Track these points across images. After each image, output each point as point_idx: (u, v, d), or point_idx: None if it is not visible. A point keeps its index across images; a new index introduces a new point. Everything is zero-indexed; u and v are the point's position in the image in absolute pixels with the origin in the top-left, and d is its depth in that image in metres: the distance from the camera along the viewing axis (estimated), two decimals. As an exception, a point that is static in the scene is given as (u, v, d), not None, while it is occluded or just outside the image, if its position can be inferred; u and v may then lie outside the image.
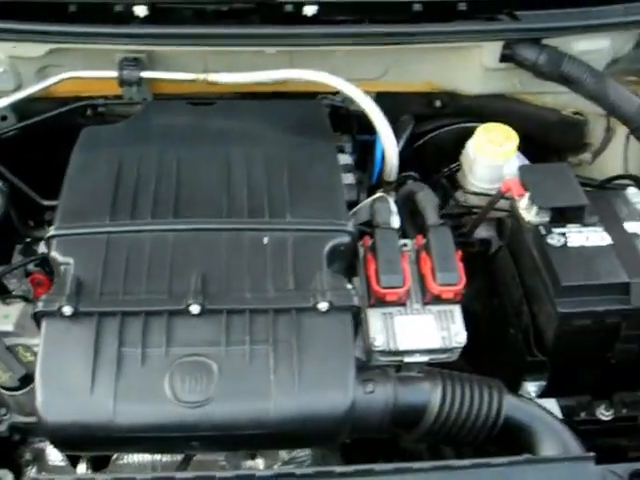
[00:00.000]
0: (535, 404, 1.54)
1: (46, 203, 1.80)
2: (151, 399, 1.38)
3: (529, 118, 2.12)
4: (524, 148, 2.08)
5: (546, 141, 2.17)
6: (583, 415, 1.75)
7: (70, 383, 1.40)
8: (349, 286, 1.53)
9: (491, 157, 1.89)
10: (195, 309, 1.45)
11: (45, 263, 1.73)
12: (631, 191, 1.80)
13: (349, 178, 1.85)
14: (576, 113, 2.15)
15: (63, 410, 1.38)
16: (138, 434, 1.38)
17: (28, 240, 1.86)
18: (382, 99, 2.01)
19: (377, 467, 1.30)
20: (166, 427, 1.38)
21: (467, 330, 1.75)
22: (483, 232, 1.92)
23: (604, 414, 1.74)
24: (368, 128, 1.90)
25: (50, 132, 1.95)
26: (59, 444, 1.43)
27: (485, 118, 2.01)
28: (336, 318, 1.48)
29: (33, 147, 1.98)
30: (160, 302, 1.47)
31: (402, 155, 2.00)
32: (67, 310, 1.43)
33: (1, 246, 1.84)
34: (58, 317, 1.44)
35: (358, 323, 1.54)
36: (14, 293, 1.76)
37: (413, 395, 1.47)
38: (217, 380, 1.39)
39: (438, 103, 2.14)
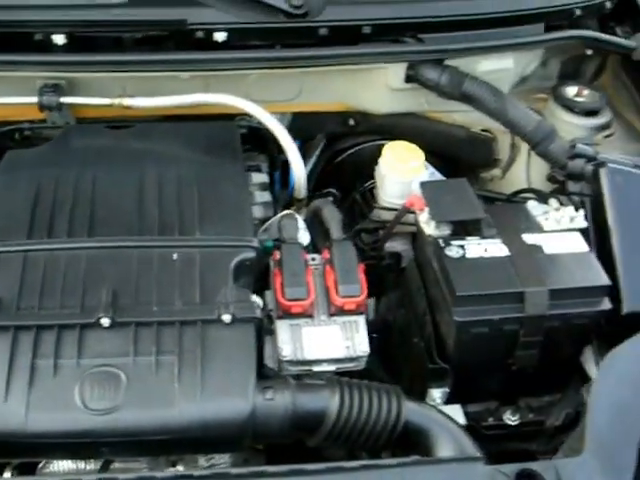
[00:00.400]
0: (433, 409, 1.60)
1: None
2: (61, 407, 1.44)
3: (440, 135, 2.22)
4: (439, 164, 2.19)
5: (457, 157, 2.26)
6: (491, 420, 1.81)
7: None
8: (254, 299, 1.61)
9: (398, 174, 1.97)
10: (105, 322, 1.52)
11: None
12: (531, 204, 1.88)
13: (265, 196, 1.92)
14: (484, 130, 2.25)
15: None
16: (49, 440, 1.44)
17: None
18: (299, 119, 2.13)
19: (270, 469, 1.38)
20: (75, 434, 1.44)
21: (383, 340, 1.85)
22: (399, 246, 1.98)
23: (510, 419, 1.81)
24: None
25: None
26: None
27: (398, 136, 2.10)
28: (239, 329, 1.55)
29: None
30: (73, 316, 1.54)
31: (320, 172, 2.10)
32: None
33: None
34: None
35: (262, 334, 1.62)
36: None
37: (311, 401, 1.53)
38: (125, 389, 1.46)
39: (352, 122, 2.23)
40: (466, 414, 1.76)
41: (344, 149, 2.30)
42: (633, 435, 1.45)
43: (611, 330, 1.67)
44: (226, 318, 1.54)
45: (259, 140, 2.06)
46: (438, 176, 2.13)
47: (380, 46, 2.00)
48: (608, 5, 2.20)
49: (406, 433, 1.55)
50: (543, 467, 1.40)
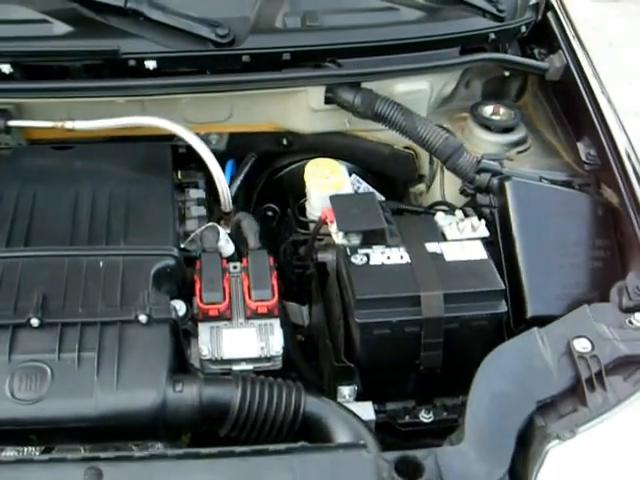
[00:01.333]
0: (333, 403, 1.74)
1: None
2: None
3: (367, 152, 2.37)
4: (374, 181, 2.34)
5: (384, 173, 2.40)
6: (407, 418, 1.92)
7: None
8: (173, 303, 1.77)
9: (319, 189, 2.11)
10: (35, 322, 1.67)
11: None
12: (439, 215, 2.03)
13: (200, 210, 2.10)
14: (407, 148, 2.38)
15: None
16: None
17: None
18: (234, 139, 2.29)
19: (170, 452, 1.53)
20: (4, 421, 1.59)
21: (310, 344, 2.00)
22: (330, 256, 2.06)
23: (425, 417, 1.92)
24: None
25: None
26: None
27: (328, 153, 2.25)
28: (155, 329, 1.70)
29: None
30: (6, 317, 1.69)
31: (261, 189, 2.27)
32: None
33: None
34: None
35: (179, 334, 1.76)
36: None
37: (217, 393, 1.67)
38: (50, 382, 1.61)
39: (285, 141, 2.38)
40: (384, 412, 1.90)
41: (281, 167, 2.45)
42: (511, 424, 1.58)
43: (520, 332, 1.77)
44: (142, 319, 1.69)
45: (198, 159, 2.20)
46: (367, 189, 2.29)
47: (299, 71, 2.14)
48: (523, 29, 2.34)
49: (307, 425, 1.68)
50: (423, 455, 1.51)
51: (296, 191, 2.33)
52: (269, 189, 2.47)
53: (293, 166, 2.44)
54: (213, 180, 2.16)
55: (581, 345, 1.67)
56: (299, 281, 2.15)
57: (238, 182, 2.25)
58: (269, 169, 2.47)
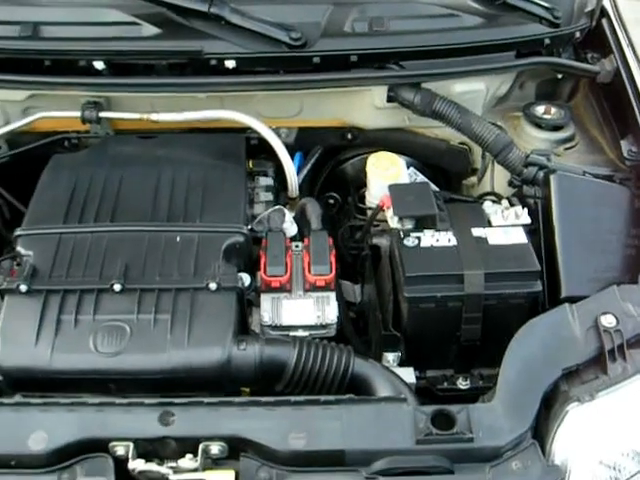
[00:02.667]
0: (377, 364, 1.94)
1: None
2: (78, 350, 1.83)
3: (425, 147, 2.55)
4: (429, 173, 2.53)
5: (440, 166, 2.58)
6: (445, 384, 2.10)
7: (21, 339, 1.85)
8: (240, 274, 1.99)
9: (379, 179, 2.32)
10: (117, 287, 1.91)
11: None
12: (486, 204, 2.21)
13: (268, 196, 2.33)
14: (461, 143, 2.57)
15: (14, 358, 1.83)
16: (68, 376, 1.82)
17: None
18: (303, 133, 2.50)
19: (235, 399, 1.74)
20: (88, 371, 1.83)
21: (360, 320, 2.18)
22: (385, 241, 2.24)
23: (462, 384, 2.09)
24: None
25: (35, 159, 2.40)
26: (11, 385, 1.86)
27: (389, 148, 2.45)
28: (223, 296, 1.92)
29: (22, 171, 2.43)
30: (92, 283, 1.93)
31: (325, 179, 2.48)
32: (23, 288, 1.90)
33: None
34: (17, 293, 1.91)
35: (244, 301, 1.98)
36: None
37: (275, 353, 1.88)
38: (128, 339, 1.85)
39: (349, 136, 2.58)
40: (424, 378, 2.08)
41: (344, 160, 2.65)
42: (538, 387, 1.76)
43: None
44: (212, 286, 1.92)
45: (268, 150, 2.42)
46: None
47: (364, 72, 2.34)
48: (577, 35, 2.50)
49: (354, 383, 1.89)
50: (457, 409, 1.72)
51: (357, 182, 2.55)
52: (332, 179, 2.68)
53: (355, 159, 2.64)
54: (281, 170, 2.38)
55: (607, 320, 1.84)
56: (354, 262, 2.35)
57: (305, 172, 2.47)
58: (333, 161, 2.67)
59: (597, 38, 2.57)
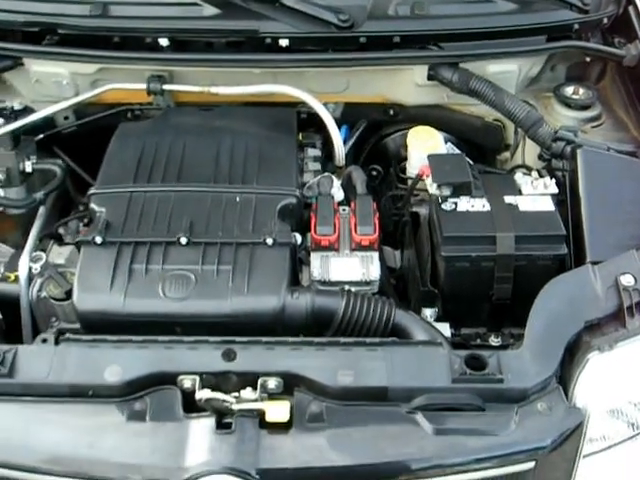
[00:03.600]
0: (416, 316, 2.13)
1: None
2: (149, 296, 2.04)
3: (461, 123, 2.74)
4: (465, 148, 2.71)
5: (475, 142, 2.76)
6: (478, 341, 2.26)
7: (96, 286, 2.06)
8: (293, 233, 2.19)
9: (419, 151, 2.50)
10: (183, 241, 2.12)
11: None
12: (518, 175, 2.39)
13: (316, 165, 2.52)
14: (496, 120, 2.75)
15: (91, 303, 2.05)
16: (139, 319, 2.02)
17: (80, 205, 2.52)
18: (349, 108, 2.69)
19: (290, 339, 1.95)
20: (157, 315, 2.03)
21: (400, 283, 2.37)
22: (424, 210, 2.43)
23: (494, 341, 2.24)
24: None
25: (99, 129, 2.63)
26: (87, 326, 2.07)
27: (428, 123, 2.63)
28: (278, 250, 2.12)
29: (87, 140, 2.66)
30: (160, 236, 2.14)
31: (368, 153, 2.69)
32: (98, 240, 2.11)
33: (60, 208, 2.51)
34: (92, 245, 2.12)
35: (297, 256, 2.18)
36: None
37: (325, 302, 2.08)
38: (193, 286, 2.05)
39: (391, 112, 2.77)
40: (458, 335, 2.25)
41: (386, 134, 2.85)
42: (562, 337, 1.94)
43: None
44: (269, 241, 2.12)
45: (317, 124, 2.63)
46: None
47: (407, 52, 2.54)
48: (605, 21, 2.67)
49: (395, 332, 2.08)
50: (489, 354, 1.91)
51: (397, 155, 2.75)
52: (374, 153, 2.86)
53: (396, 134, 2.83)
54: (327, 142, 2.58)
55: (626, 280, 2.00)
56: (394, 230, 2.53)
57: (350, 143, 2.66)
58: (376, 135, 2.86)
59: (623, 24, 2.74)
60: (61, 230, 2.42)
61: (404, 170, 2.65)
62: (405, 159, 2.66)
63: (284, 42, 2.49)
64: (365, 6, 2.53)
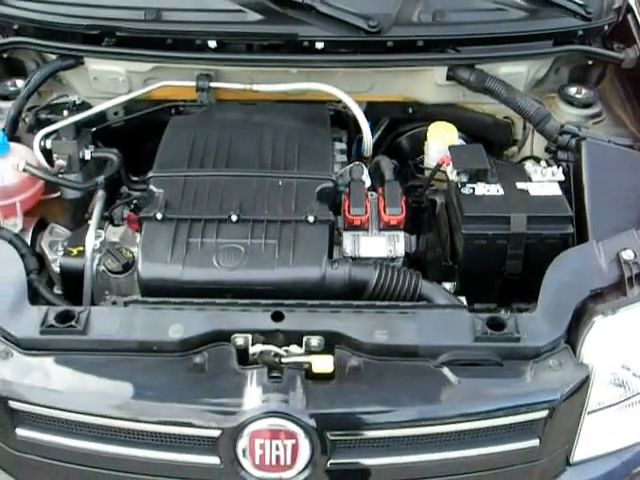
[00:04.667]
0: (439, 286, 2.38)
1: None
2: (204, 265, 2.28)
3: (473, 121, 3.00)
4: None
5: (486, 138, 3.00)
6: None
7: (157, 256, 2.30)
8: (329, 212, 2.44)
9: (437, 144, 2.76)
10: (234, 218, 2.36)
11: (136, 208, 2.64)
12: (528, 164, 2.66)
13: (343, 157, 2.79)
14: (505, 117, 3.03)
15: (152, 271, 2.29)
16: (195, 286, 2.25)
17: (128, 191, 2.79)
18: (372, 106, 2.94)
19: (332, 302, 2.20)
20: (211, 282, 2.26)
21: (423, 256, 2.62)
22: (439, 198, 2.67)
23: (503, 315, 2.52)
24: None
25: (146, 123, 2.91)
26: (148, 293, 2.29)
27: (444, 121, 2.90)
28: (318, 227, 2.37)
29: (134, 133, 2.94)
30: (213, 214, 2.38)
31: (387, 147, 2.95)
32: (159, 216, 2.36)
33: (113, 191, 2.75)
34: (153, 220, 2.36)
35: (334, 234, 2.43)
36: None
37: (360, 272, 2.32)
38: (243, 257, 2.30)
39: (410, 110, 3.04)
40: (472, 310, 2.40)
41: (405, 131, 3.11)
42: (570, 303, 2.19)
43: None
44: (310, 219, 2.37)
45: (342, 120, 2.92)
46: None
47: (428, 54, 2.82)
48: (606, 28, 2.94)
49: (421, 299, 2.32)
50: (507, 316, 2.18)
51: (414, 150, 3.01)
52: (391, 149, 3.11)
53: (413, 131, 3.09)
54: (350, 137, 2.86)
55: (627, 254, 2.24)
56: (412, 216, 2.75)
57: (375, 138, 2.93)
58: (393, 132, 3.12)
59: (623, 30, 3.01)
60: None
61: (420, 163, 2.91)
62: (420, 154, 2.92)
63: (320, 45, 2.76)
64: (391, 14, 2.80)
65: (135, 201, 2.70)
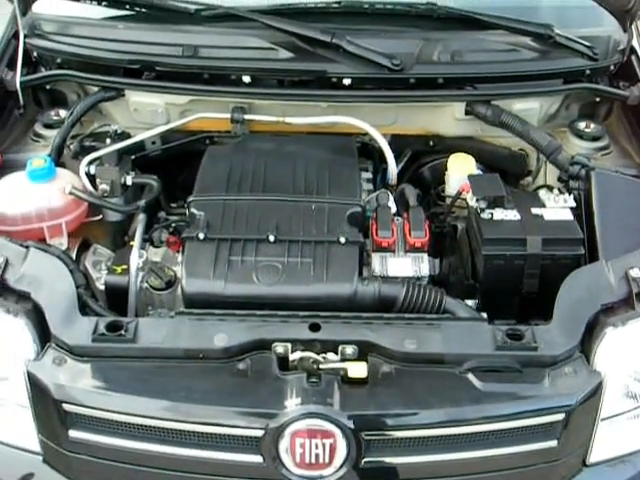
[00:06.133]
0: (462, 303, 2.55)
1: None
2: (245, 281, 2.45)
3: (490, 153, 3.19)
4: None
5: (502, 169, 3.18)
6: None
7: (200, 273, 2.47)
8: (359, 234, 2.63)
9: (458, 173, 2.96)
10: (271, 238, 2.53)
11: (175, 231, 2.84)
12: (541, 192, 2.85)
13: (369, 186, 2.99)
14: (520, 149, 3.22)
15: (196, 286, 2.46)
16: (236, 300, 2.42)
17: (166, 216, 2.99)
18: (395, 139, 3.13)
19: (364, 314, 2.38)
20: (252, 297, 2.44)
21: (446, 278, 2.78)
22: (460, 224, 2.86)
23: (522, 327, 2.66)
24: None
25: (182, 153, 3.12)
26: (192, 306, 2.45)
27: (463, 152, 3.10)
28: (349, 247, 2.55)
29: (170, 162, 3.15)
30: (252, 234, 2.56)
31: (409, 178, 3.15)
32: (201, 236, 2.53)
33: (151, 217, 2.92)
34: (195, 240, 2.54)
35: (364, 255, 2.61)
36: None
37: (389, 289, 2.50)
38: (280, 274, 2.47)
39: (431, 143, 3.24)
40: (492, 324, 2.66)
41: (426, 162, 3.30)
42: (583, 316, 2.36)
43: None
44: (342, 240, 2.55)
45: (367, 152, 3.13)
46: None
47: (448, 91, 3.03)
48: (612, 67, 3.15)
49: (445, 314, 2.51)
50: (525, 328, 2.35)
51: (435, 180, 3.20)
52: (416, 178, 3.29)
53: (436, 162, 3.27)
54: (376, 167, 3.07)
55: (634, 272, 2.40)
56: (435, 241, 2.91)
57: (399, 168, 3.12)
58: (417, 163, 3.31)
59: (628, 70, 3.21)
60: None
61: (442, 192, 3.11)
62: (442, 184, 3.12)
63: (347, 81, 2.96)
64: (413, 53, 3.01)
65: (173, 224, 2.89)
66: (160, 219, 2.98)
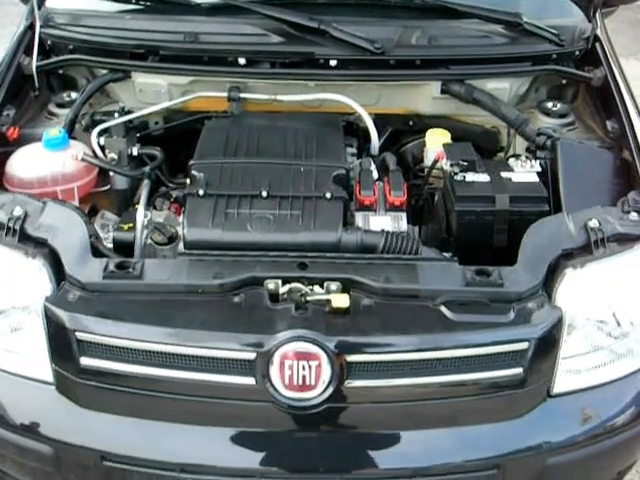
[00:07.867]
0: (436, 250, 2.80)
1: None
2: (240, 230, 2.71)
3: (465, 130, 3.46)
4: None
5: (476, 145, 3.43)
6: None
7: (200, 223, 2.71)
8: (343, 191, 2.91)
9: (435, 146, 3.21)
10: (264, 194, 2.79)
11: (176, 200, 3.14)
12: (510, 160, 3.10)
13: (353, 159, 3.26)
14: (493, 127, 3.50)
15: (196, 235, 2.71)
16: (232, 246, 2.66)
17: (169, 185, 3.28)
18: (378, 118, 3.39)
19: (346, 255, 2.65)
20: (246, 243, 2.69)
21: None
22: (436, 195, 3.14)
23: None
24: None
25: (182, 132, 3.40)
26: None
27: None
28: (334, 202, 2.80)
29: (171, 140, 3.42)
30: (247, 191, 2.81)
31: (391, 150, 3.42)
32: (200, 192, 2.79)
33: (155, 190, 3.21)
34: (195, 196, 2.80)
35: (347, 208, 2.88)
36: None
37: (370, 238, 2.73)
38: (272, 224, 2.72)
39: (411, 122, 3.53)
40: None
41: (407, 142, 3.59)
42: (545, 259, 2.61)
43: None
44: (328, 196, 2.80)
45: (352, 131, 3.40)
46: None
47: (425, 71, 3.31)
48: (577, 53, 3.44)
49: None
50: (492, 269, 2.60)
51: (414, 158, 3.49)
52: (397, 158, 3.51)
53: (415, 142, 3.56)
54: (360, 146, 3.35)
55: (593, 223, 2.66)
56: (414, 210, 3.20)
57: (380, 142, 3.38)
58: (398, 143, 3.59)
59: (592, 55, 3.49)
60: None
61: (421, 171, 3.39)
62: (420, 162, 3.40)
63: (333, 62, 3.23)
64: (393, 38, 3.30)
65: (174, 194, 3.17)
66: (161, 193, 3.25)
